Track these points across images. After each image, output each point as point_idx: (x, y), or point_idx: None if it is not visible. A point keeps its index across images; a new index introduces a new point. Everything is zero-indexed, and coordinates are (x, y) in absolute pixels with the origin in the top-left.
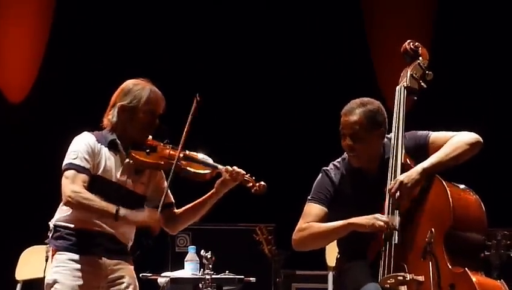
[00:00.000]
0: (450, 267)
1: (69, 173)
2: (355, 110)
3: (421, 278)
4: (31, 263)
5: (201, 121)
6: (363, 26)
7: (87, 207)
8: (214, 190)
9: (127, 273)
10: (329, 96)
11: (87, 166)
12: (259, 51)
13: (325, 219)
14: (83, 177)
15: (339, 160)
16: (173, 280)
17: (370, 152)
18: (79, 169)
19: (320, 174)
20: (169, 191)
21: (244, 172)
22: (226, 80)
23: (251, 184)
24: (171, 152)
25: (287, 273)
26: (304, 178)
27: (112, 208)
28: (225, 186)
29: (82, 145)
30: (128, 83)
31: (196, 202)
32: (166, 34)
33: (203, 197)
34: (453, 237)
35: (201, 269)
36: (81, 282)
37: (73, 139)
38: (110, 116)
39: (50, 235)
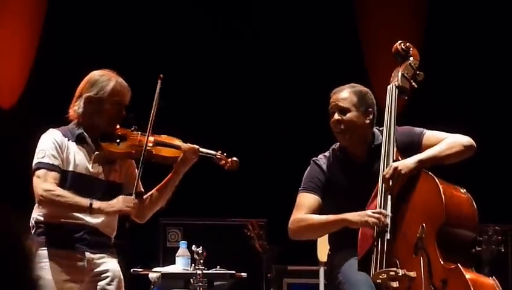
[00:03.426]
0: (442, 262)
1: (40, 172)
2: (344, 89)
3: (412, 273)
4: None
5: (199, 117)
6: (355, 24)
7: (60, 204)
8: (174, 170)
9: (110, 266)
10: (320, 93)
11: (56, 163)
12: (251, 50)
13: (318, 207)
14: (54, 174)
15: (328, 151)
16: (164, 275)
17: (357, 131)
18: (48, 167)
19: (310, 164)
20: (139, 180)
21: (198, 147)
22: (220, 73)
23: (223, 161)
24: (140, 139)
25: (278, 269)
26: (294, 173)
27: (85, 202)
28: (184, 165)
29: (49, 143)
30: (95, 74)
31: (158, 186)
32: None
33: (164, 180)
34: (445, 233)
35: (193, 264)
36: (64, 277)
37: (40, 138)
38: (76, 107)
39: (32, 232)
